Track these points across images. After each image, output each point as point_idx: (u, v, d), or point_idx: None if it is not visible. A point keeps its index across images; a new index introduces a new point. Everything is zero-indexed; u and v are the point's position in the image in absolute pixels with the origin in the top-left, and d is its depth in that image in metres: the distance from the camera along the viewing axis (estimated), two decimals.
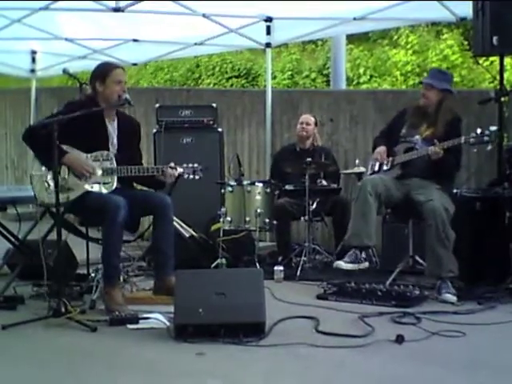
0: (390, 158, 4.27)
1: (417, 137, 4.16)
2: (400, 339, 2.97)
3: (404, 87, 9.47)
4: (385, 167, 4.30)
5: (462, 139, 3.89)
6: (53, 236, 3.66)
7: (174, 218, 4.09)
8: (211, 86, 10.73)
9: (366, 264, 3.97)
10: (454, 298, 3.76)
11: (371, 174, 4.41)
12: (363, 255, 3.99)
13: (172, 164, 3.82)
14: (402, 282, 4.04)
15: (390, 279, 4.07)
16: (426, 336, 3.08)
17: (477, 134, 3.85)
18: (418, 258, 4.27)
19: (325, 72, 10.11)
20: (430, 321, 3.34)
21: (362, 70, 10.08)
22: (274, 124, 6.29)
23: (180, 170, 3.83)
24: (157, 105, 5.80)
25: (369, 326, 3.21)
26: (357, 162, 5.07)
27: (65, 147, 3.62)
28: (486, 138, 3.82)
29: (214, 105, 5.71)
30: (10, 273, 4.13)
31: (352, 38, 9.60)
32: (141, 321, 3.31)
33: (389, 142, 4.34)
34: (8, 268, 4.28)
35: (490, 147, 3.89)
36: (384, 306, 3.62)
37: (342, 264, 3.97)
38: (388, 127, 4.47)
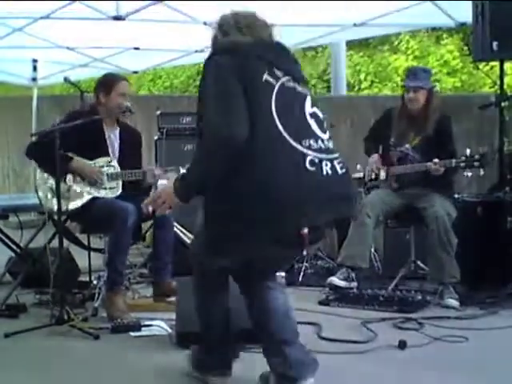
0: (385, 167, 4.26)
1: (407, 146, 4.14)
2: (402, 345, 2.97)
3: None
4: (382, 176, 4.29)
5: (453, 163, 3.84)
6: (54, 244, 3.67)
7: (175, 224, 4.10)
8: None
9: (355, 284, 4.00)
10: (456, 303, 3.76)
11: (370, 181, 4.42)
12: (353, 275, 4.00)
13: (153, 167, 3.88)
14: (404, 288, 4.05)
15: (392, 284, 4.06)
16: (429, 341, 3.07)
17: (466, 157, 3.79)
18: (419, 262, 4.27)
19: (325, 78, 10.15)
20: (433, 326, 3.33)
21: (362, 76, 10.11)
22: None
23: (157, 171, 3.87)
24: (158, 112, 5.81)
25: (371, 332, 3.21)
26: (358, 167, 5.07)
27: (70, 154, 3.64)
28: (476, 164, 3.77)
29: None
30: (13, 281, 4.12)
31: (352, 44, 9.63)
32: (143, 328, 3.31)
33: (378, 142, 4.31)
34: (10, 276, 4.28)
35: (482, 173, 3.81)
36: (386, 312, 3.62)
37: (335, 280, 3.99)
38: (375, 127, 4.46)
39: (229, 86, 2.12)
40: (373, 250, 4.46)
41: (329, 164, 2.15)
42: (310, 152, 2.12)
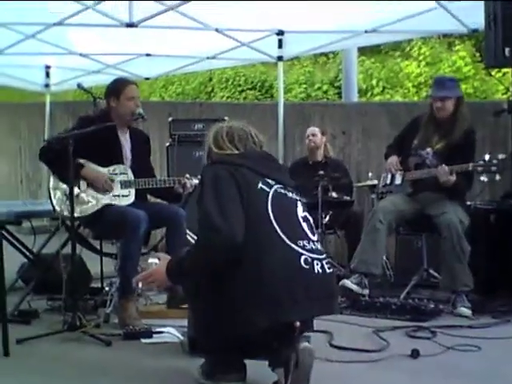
0: (402, 172, 4.25)
1: (428, 149, 4.11)
2: (415, 354, 2.95)
3: (416, 99, 9.47)
4: (397, 181, 4.27)
5: (470, 166, 3.83)
6: (67, 250, 3.68)
7: (188, 231, 4.10)
8: (224, 98, 10.79)
9: (367, 291, 3.97)
10: (469, 312, 3.74)
11: (383, 187, 4.41)
12: (366, 282, 3.97)
13: (188, 175, 3.87)
14: (416, 296, 4.03)
15: (404, 293, 4.04)
16: (442, 350, 3.06)
17: (485, 161, 3.79)
18: (432, 271, 4.24)
19: (336, 84, 10.14)
20: (445, 335, 3.32)
21: (374, 82, 10.09)
22: (286, 137, 6.29)
23: (195, 181, 3.88)
24: (170, 118, 5.83)
25: (384, 341, 3.20)
26: (370, 174, 5.06)
27: (82, 161, 3.66)
28: (493, 168, 3.77)
29: (227, 118, 5.71)
30: (25, 287, 4.14)
31: (364, 50, 9.63)
32: (155, 335, 3.31)
33: (401, 150, 4.31)
34: (22, 282, 4.30)
35: (498, 177, 3.81)
36: (398, 320, 3.60)
37: (348, 283, 3.95)
38: (401, 135, 4.44)
39: (227, 191, 2.37)
40: (384, 257, 4.44)
41: (319, 263, 2.38)
42: (304, 252, 2.37)
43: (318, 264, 2.38)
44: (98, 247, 4.22)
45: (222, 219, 2.28)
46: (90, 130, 3.51)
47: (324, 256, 2.46)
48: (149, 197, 4.08)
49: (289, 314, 2.29)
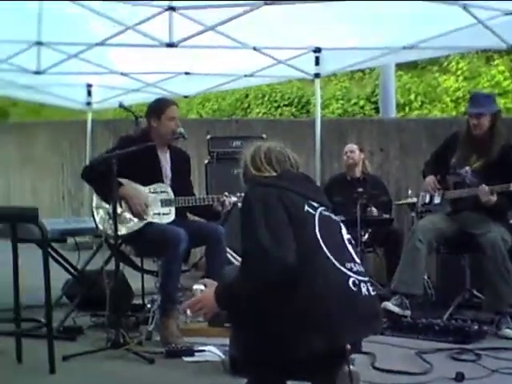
0: (441, 191, 4.21)
1: (466, 168, 4.07)
2: (460, 377, 2.90)
3: (454, 113, 9.37)
4: (436, 200, 4.23)
5: (511, 186, 3.77)
6: (110, 266, 3.74)
7: (227, 249, 4.13)
8: (260, 115, 10.82)
9: (409, 312, 3.91)
10: None
11: (422, 206, 4.38)
12: (407, 302, 3.91)
13: (226, 193, 3.91)
14: (459, 317, 3.95)
15: (447, 314, 3.98)
16: (487, 374, 3.00)
17: None
18: (475, 291, 4.17)
19: (373, 99, 10.10)
20: (490, 357, 3.26)
21: (412, 96, 10.02)
22: (324, 153, 6.29)
23: (234, 198, 3.91)
24: (208, 136, 5.90)
25: (427, 363, 3.15)
26: (409, 192, 5.01)
27: (123, 180, 3.72)
28: None
29: (264, 135, 5.75)
30: (69, 303, 4.22)
31: (401, 65, 9.57)
32: (196, 353, 3.34)
33: (438, 167, 4.28)
34: (67, 299, 4.38)
35: None
36: (441, 342, 3.55)
37: (389, 305, 3.90)
38: (438, 151, 4.40)
39: (276, 214, 2.34)
40: (426, 276, 4.38)
41: (365, 286, 2.38)
42: (351, 274, 2.36)
43: (364, 286, 2.38)
44: (139, 264, 4.28)
45: (273, 243, 2.26)
46: (131, 150, 3.59)
47: (368, 278, 2.46)
48: (188, 215, 4.13)
49: (342, 336, 2.28)
